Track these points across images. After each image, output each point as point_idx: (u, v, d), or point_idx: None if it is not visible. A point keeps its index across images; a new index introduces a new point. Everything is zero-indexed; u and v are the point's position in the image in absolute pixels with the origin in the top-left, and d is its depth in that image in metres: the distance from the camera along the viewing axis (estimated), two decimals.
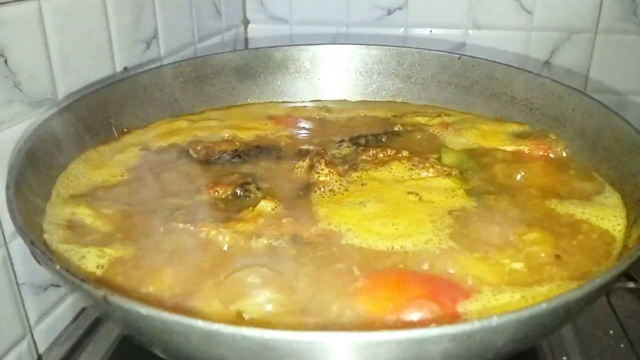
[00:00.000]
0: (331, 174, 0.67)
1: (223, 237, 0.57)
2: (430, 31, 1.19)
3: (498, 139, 0.79)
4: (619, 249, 0.56)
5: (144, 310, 0.36)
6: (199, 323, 0.35)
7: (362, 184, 0.67)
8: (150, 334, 0.40)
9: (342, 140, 0.79)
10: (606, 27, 1.12)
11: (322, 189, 0.65)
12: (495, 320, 0.36)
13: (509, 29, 1.16)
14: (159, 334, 0.38)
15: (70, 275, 0.40)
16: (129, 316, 0.38)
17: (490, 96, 0.87)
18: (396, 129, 0.84)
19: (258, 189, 0.67)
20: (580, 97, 0.75)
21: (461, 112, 0.89)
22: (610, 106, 0.72)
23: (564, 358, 0.64)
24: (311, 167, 0.70)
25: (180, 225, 0.58)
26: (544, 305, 0.37)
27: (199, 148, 0.76)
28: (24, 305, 0.68)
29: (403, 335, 0.36)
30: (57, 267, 0.41)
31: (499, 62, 0.87)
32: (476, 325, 0.36)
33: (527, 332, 0.39)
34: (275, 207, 0.62)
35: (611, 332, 0.68)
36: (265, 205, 0.62)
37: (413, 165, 0.69)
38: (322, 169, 0.68)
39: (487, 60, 0.89)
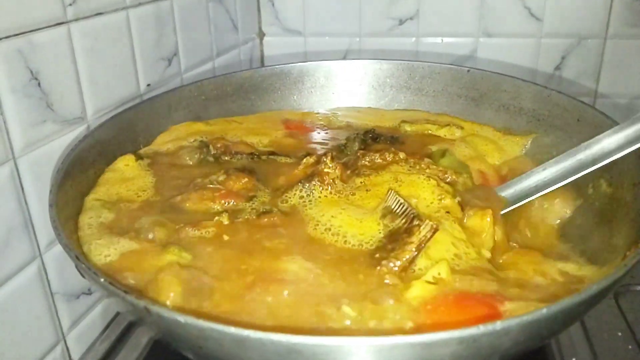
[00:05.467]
0: (335, 168, 0.69)
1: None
2: (442, 40, 1.22)
3: (495, 158, 0.82)
4: None
5: (182, 318, 0.40)
6: (232, 330, 0.39)
7: (367, 190, 0.68)
8: (186, 339, 0.44)
9: (348, 138, 0.83)
10: (615, 33, 1.14)
11: (325, 185, 0.68)
12: (498, 325, 0.39)
13: (519, 37, 1.18)
14: (194, 340, 0.42)
15: (114, 288, 0.44)
16: (167, 324, 0.42)
17: (499, 107, 0.89)
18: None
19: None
20: (585, 109, 0.77)
21: (471, 123, 0.91)
22: (620, 111, 0.73)
23: (573, 359, 0.67)
24: (317, 162, 0.72)
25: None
26: (544, 311, 0.40)
27: (219, 145, 0.80)
28: (57, 313, 0.71)
29: (415, 340, 0.39)
30: (102, 280, 0.44)
31: (506, 75, 0.89)
32: (481, 329, 0.39)
33: (530, 334, 0.43)
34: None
35: (619, 333, 0.70)
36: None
37: (410, 167, 0.71)
38: (327, 162, 0.69)
39: (495, 73, 0.91)
